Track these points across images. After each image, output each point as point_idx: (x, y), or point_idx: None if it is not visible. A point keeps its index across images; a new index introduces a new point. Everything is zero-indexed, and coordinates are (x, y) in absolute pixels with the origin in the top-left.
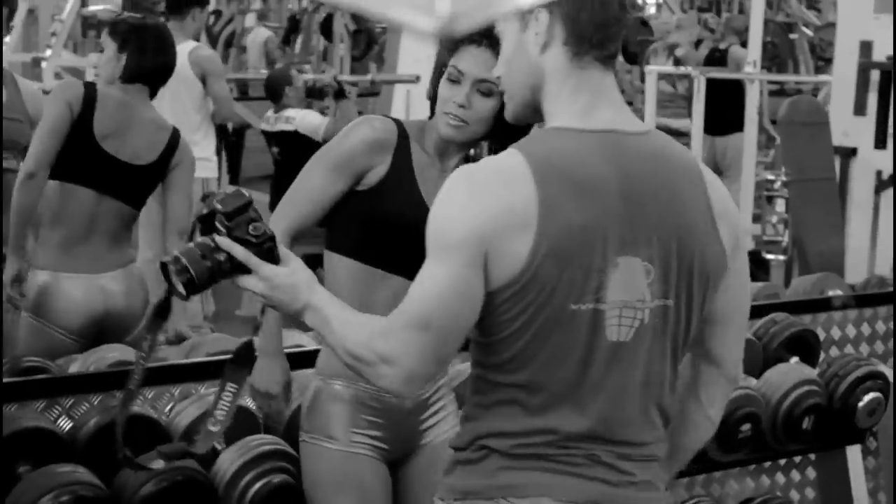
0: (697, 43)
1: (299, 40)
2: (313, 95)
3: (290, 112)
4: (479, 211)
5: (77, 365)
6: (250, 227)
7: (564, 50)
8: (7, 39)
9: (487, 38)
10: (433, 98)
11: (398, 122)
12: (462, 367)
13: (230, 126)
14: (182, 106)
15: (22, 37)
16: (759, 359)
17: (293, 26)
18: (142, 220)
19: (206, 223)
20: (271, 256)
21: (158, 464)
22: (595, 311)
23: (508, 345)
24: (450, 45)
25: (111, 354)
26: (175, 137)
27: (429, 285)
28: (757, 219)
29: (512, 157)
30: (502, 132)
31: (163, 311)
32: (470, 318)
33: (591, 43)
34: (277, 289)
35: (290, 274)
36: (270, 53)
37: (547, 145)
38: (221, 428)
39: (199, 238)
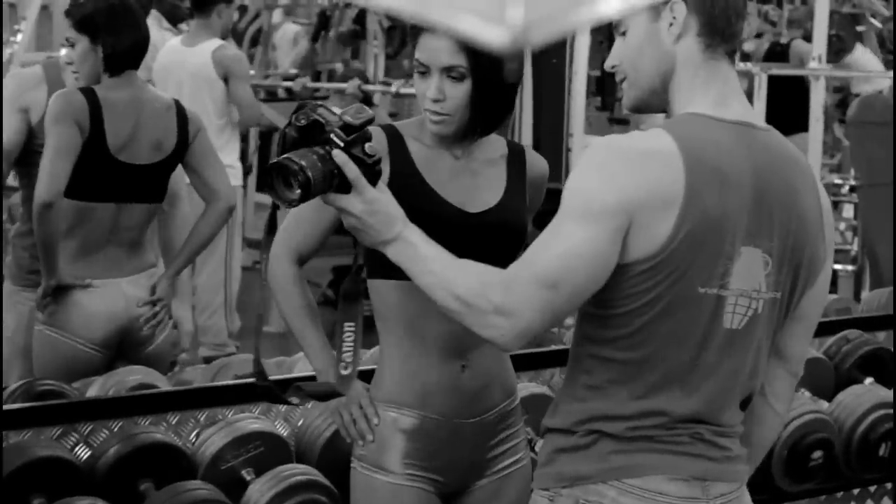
0: (758, 36)
1: (330, 37)
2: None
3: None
4: (630, 183)
5: (95, 388)
6: (366, 147)
7: (698, 41)
8: (19, 38)
9: None
10: None
11: (386, 127)
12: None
13: (255, 130)
14: (203, 108)
15: (35, 35)
16: (831, 380)
17: (323, 22)
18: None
19: (308, 133)
20: (375, 181)
21: (295, 399)
22: (718, 297)
23: (632, 319)
24: (412, 39)
25: (132, 377)
26: (181, 111)
27: (566, 246)
28: None
29: (661, 137)
30: (483, 118)
31: (273, 227)
32: (596, 286)
33: (722, 35)
34: (376, 214)
35: (390, 203)
36: (299, 51)
37: (692, 131)
38: (353, 369)
39: (300, 149)
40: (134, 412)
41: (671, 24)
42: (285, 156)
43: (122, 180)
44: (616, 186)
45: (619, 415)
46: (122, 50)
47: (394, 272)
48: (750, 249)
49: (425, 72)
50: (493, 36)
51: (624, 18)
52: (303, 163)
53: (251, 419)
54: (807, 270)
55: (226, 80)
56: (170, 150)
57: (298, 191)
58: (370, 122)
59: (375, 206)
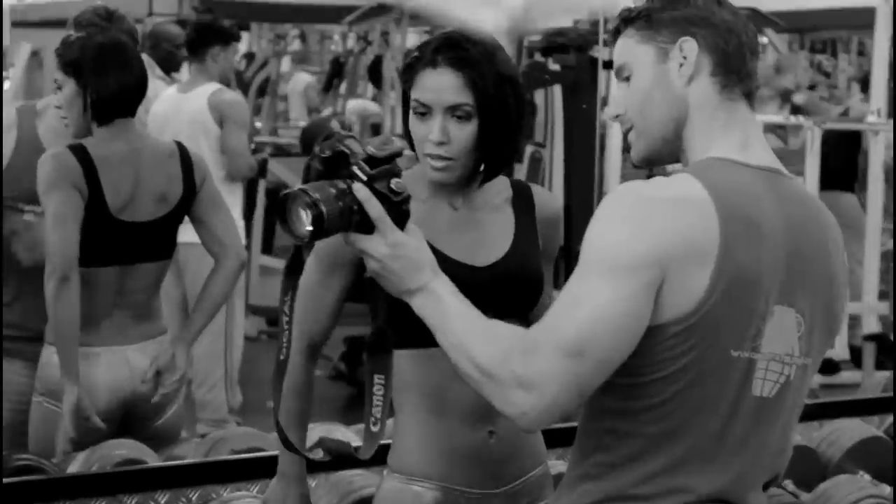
0: (811, 88)
1: (343, 86)
2: None
3: None
4: (660, 233)
5: (78, 463)
6: (392, 182)
7: (712, 81)
8: (6, 86)
9: (445, 55)
10: (409, 138)
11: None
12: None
13: (262, 187)
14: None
15: (24, 82)
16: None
17: (336, 70)
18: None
19: (332, 165)
20: (402, 221)
21: (318, 454)
22: (749, 361)
23: (664, 387)
24: (406, 76)
25: (118, 451)
26: (185, 155)
27: (591, 307)
28: (883, 296)
29: (690, 183)
30: (490, 162)
31: (296, 265)
32: (627, 351)
33: (738, 75)
34: (400, 259)
35: (419, 249)
36: (311, 101)
37: (722, 176)
38: (382, 427)
39: (321, 181)
40: (119, 490)
41: (682, 65)
42: (301, 186)
43: (126, 241)
44: (647, 235)
45: (639, 494)
46: (110, 95)
47: (411, 340)
48: (783, 309)
49: (426, 112)
50: (488, 21)
51: (627, 62)
52: (317, 195)
53: (249, 498)
54: (832, 332)
55: (221, 125)
56: (175, 200)
57: (310, 227)
58: (398, 154)
59: (400, 251)
